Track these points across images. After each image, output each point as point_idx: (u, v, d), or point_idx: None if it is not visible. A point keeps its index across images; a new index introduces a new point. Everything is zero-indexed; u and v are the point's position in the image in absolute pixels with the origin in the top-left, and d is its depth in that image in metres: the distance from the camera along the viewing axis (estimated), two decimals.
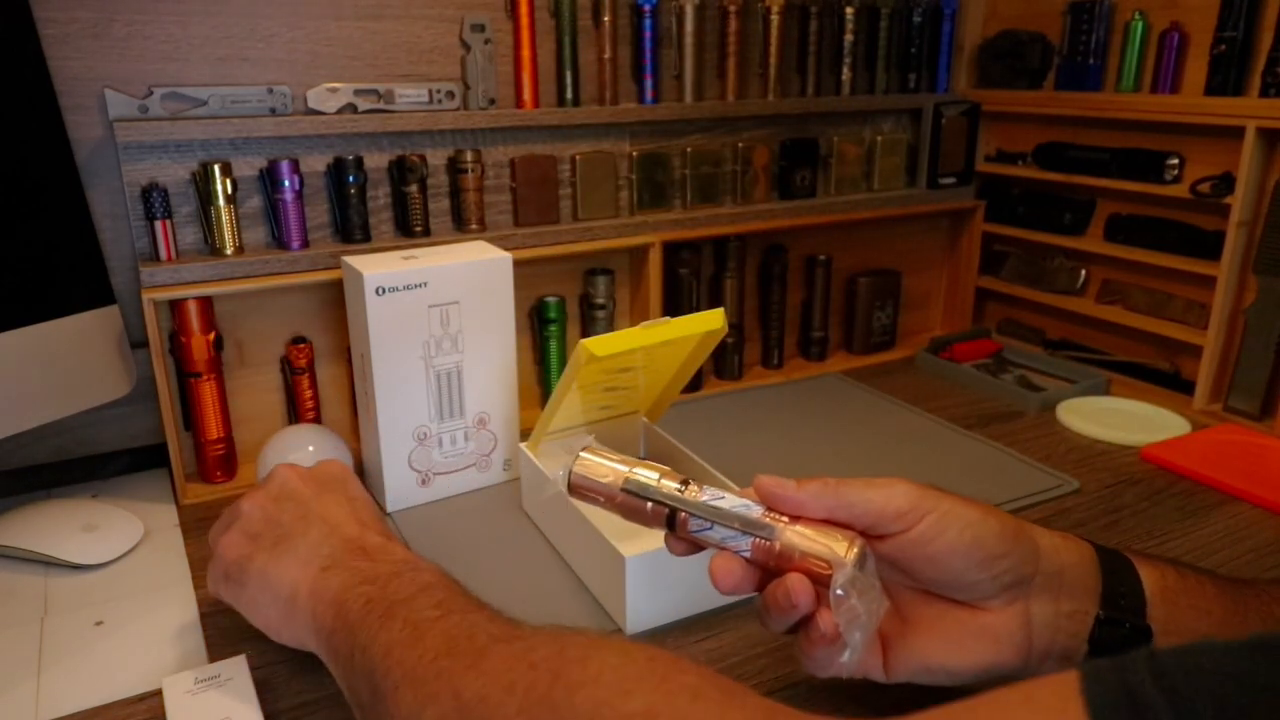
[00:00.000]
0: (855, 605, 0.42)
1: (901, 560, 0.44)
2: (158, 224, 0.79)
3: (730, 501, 0.47)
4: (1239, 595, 0.46)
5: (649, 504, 0.49)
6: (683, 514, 0.48)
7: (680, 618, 0.62)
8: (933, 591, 0.46)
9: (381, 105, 0.86)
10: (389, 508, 0.78)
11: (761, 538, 0.45)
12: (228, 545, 0.55)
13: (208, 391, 0.81)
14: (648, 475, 0.49)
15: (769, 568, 0.45)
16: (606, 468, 0.50)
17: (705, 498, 0.48)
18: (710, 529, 0.47)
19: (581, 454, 0.51)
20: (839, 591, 0.42)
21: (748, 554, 0.46)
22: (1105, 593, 0.44)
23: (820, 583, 0.43)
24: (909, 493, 0.43)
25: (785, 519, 0.45)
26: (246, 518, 0.56)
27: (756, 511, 0.46)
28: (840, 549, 0.43)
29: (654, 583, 0.61)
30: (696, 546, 0.49)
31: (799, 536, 0.44)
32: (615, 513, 0.50)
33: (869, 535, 0.44)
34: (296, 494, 0.56)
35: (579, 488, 0.51)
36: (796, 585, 0.43)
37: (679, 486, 0.49)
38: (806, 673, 0.47)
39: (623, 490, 0.49)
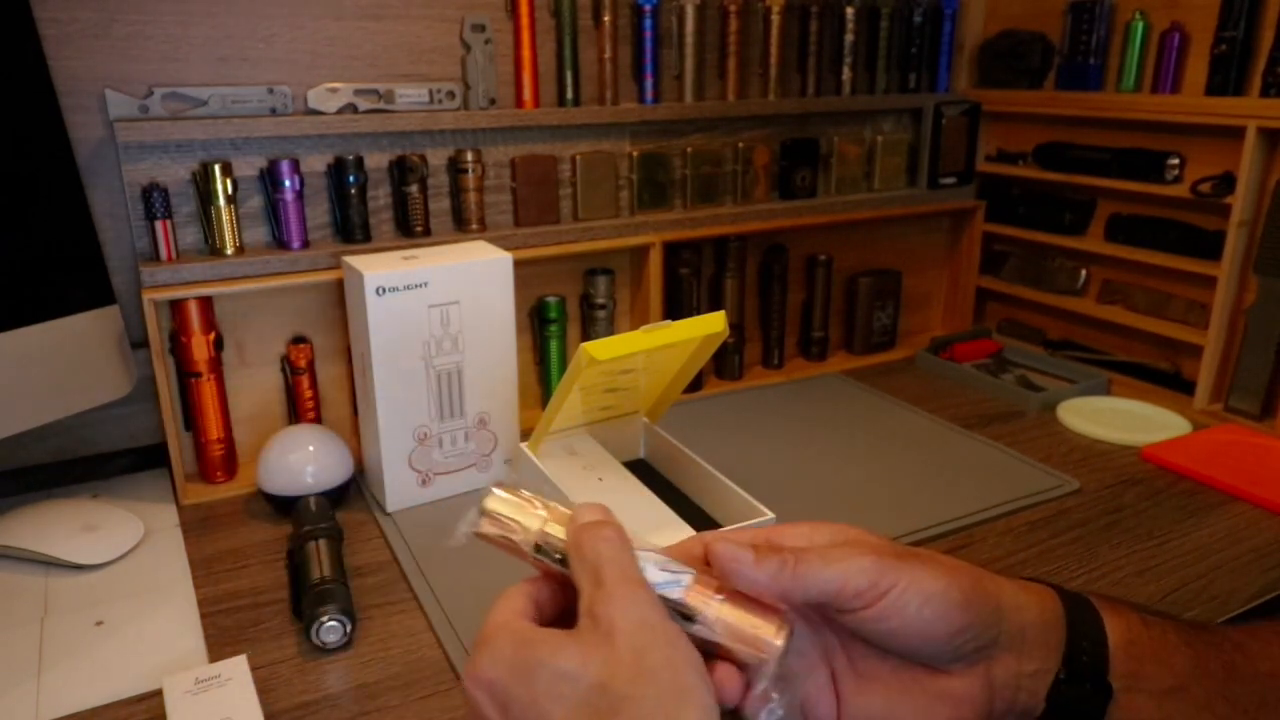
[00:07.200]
0: (775, 704, 0.39)
1: (859, 632, 0.42)
2: (158, 224, 0.79)
3: (653, 567, 0.40)
4: (1199, 646, 0.45)
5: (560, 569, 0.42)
6: None
7: None
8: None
9: (382, 105, 0.86)
10: (389, 508, 0.78)
11: (684, 616, 0.40)
12: None
13: (208, 391, 0.81)
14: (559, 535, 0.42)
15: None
16: (515, 523, 0.43)
17: None
18: None
19: (488, 505, 0.44)
20: (762, 686, 0.39)
21: None
22: (1068, 651, 0.43)
23: (743, 666, 0.40)
24: (867, 570, 0.41)
25: (714, 587, 0.41)
26: None
27: (685, 581, 0.41)
28: (769, 633, 0.40)
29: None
30: None
31: (730, 615, 0.40)
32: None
33: (826, 612, 0.43)
34: None
35: (490, 539, 0.44)
36: (725, 681, 0.40)
37: None
38: None
39: (534, 555, 0.43)
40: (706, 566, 0.42)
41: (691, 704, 0.33)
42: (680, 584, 0.41)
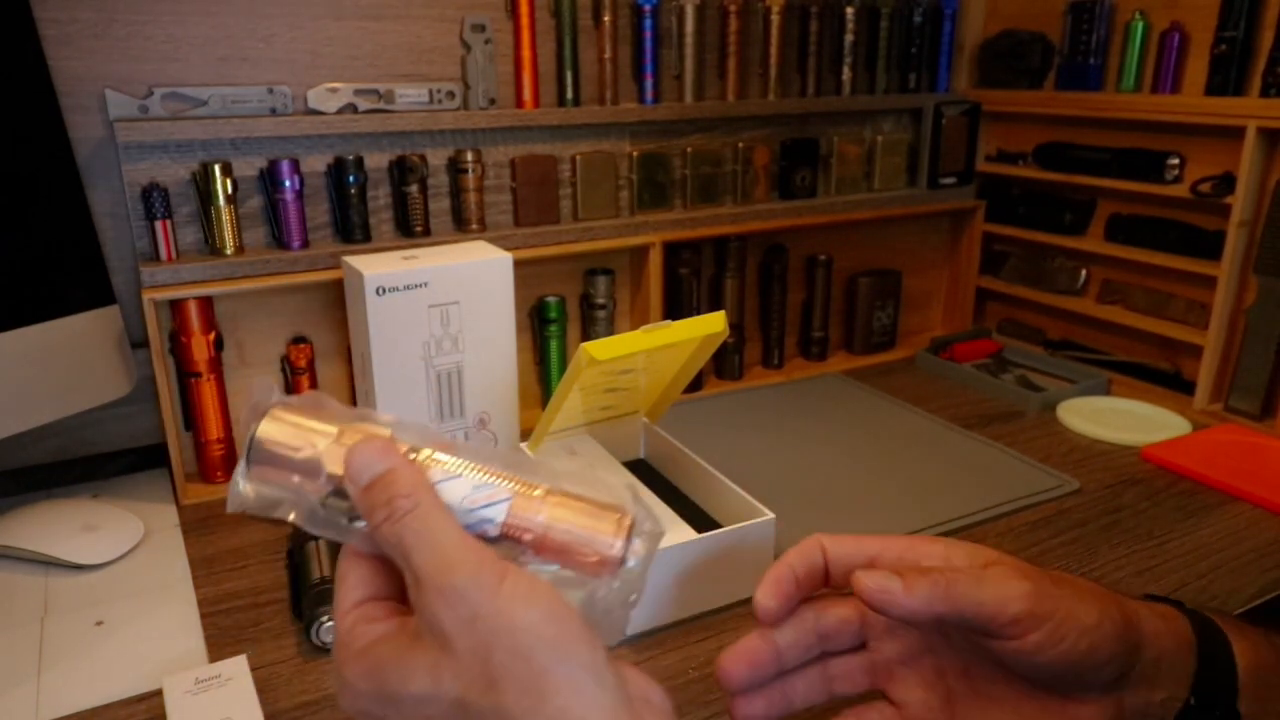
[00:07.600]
0: (608, 617, 0.35)
1: (1002, 658, 0.42)
2: (158, 224, 0.79)
3: (465, 509, 0.35)
4: None
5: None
6: None
7: (680, 619, 0.62)
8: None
9: (382, 105, 0.86)
10: None
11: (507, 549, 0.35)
12: None
13: (208, 391, 0.81)
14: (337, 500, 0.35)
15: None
16: (292, 458, 0.35)
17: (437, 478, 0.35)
18: None
19: (262, 436, 0.36)
20: (599, 595, 0.35)
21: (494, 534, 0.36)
22: (1199, 678, 0.43)
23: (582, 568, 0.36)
24: (1025, 596, 0.40)
25: (539, 493, 0.36)
26: None
27: (498, 519, 0.35)
28: (607, 542, 0.35)
29: (653, 583, 0.60)
30: None
31: (559, 537, 0.35)
32: None
33: (971, 631, 0.41)
34: None
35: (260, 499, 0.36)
36: None
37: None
38: None
39: (322, 511, 0.37)
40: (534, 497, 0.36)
41: (551, 691, 0.31)
42: (493, 522, 0.35)
